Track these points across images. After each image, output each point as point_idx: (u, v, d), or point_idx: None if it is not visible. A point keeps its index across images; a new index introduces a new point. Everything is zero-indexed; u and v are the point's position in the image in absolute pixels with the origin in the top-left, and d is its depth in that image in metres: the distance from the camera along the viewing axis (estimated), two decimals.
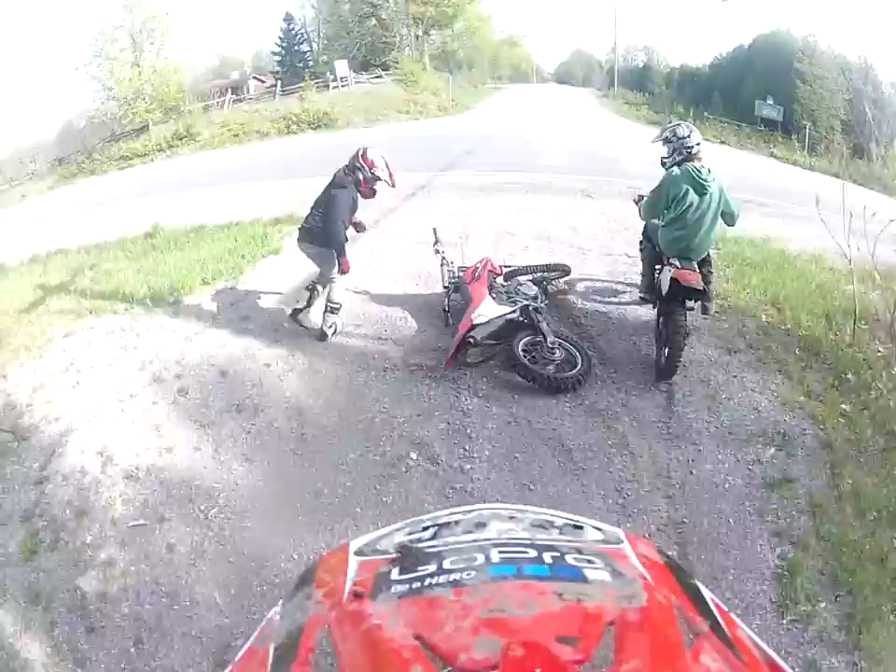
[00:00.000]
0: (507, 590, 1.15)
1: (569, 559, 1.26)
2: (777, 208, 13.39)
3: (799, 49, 26.51)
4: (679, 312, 6.38)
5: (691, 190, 6.26)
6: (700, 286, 6.31)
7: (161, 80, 26.39)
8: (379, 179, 7.09)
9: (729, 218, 6.58)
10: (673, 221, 6.47)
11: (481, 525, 1.44)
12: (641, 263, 7.65)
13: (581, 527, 1.48)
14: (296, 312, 7.59)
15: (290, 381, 6.71)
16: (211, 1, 27.21)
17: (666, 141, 6.61)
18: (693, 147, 6.45)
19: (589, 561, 1.27)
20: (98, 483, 5.62)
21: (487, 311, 6.79)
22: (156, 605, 4.57)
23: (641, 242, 7.66)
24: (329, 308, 7.35)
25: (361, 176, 7.04)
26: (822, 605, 4.31)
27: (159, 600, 4.60)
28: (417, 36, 29.94)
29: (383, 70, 28.63)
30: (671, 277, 6.30)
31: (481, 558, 1.26)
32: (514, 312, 6.88)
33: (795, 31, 27.13)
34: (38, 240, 13.24)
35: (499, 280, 7.58)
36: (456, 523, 1.49)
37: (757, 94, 27.37)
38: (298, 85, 26.89)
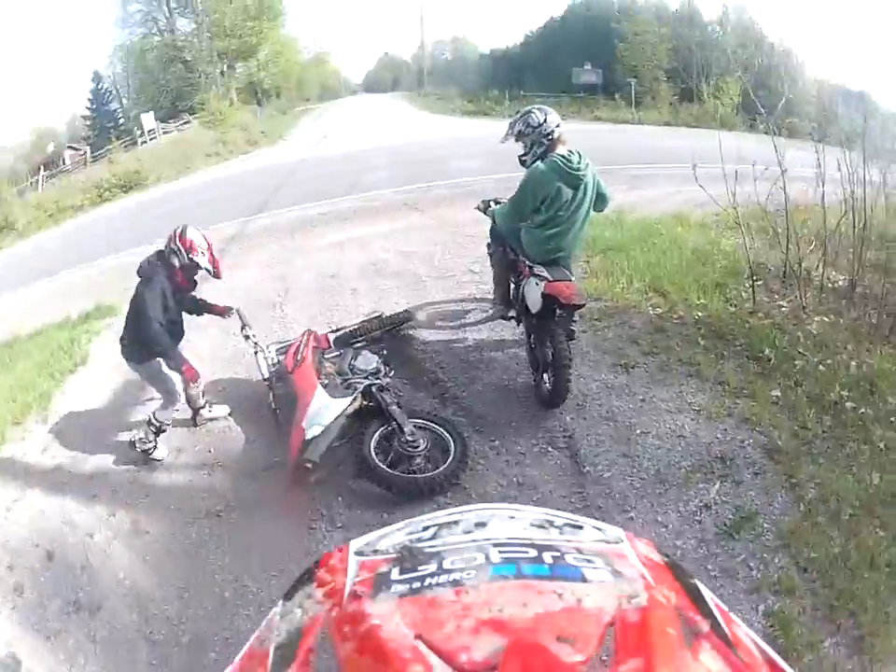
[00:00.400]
0: (507, 590, 1.09)
1: (569, 559, 1.20)
2: (616, 173, 12.89)
3: (616, 10, 27.99)
4: (555, 330, 5.79)
5: (563, 185, 5.61)
6: (582, 300, 5.79)
7: None
8: (199, 267, 6.07)
9: (601, 204, 6.04)
10: (543, 224, 5.79)
11: (481, 525, 1.36)
12: (492, 271, 7.00)
13: (580, 527, 1.40)
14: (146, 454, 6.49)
15: (118, 554, 5.73)
16: (17, 73, 25.89)
17: (520, 136, 5.91)
18: (552, 132, 5.77)
19: (589, 561, 1.20)
20: None
21: (320, 415, 5.67)
22: None
23: (489, 246, 6.93)
24: (150, 424, 6.32)
25: (178, 263, 6.00)
26: (826, 643, 3.95)
27: None
28: (222, 72, 29.57)
29: (190, 114, 28.11)
30: (543, 293, 5.63)
31: (481, 558, 1.19)
32: (354, 400, 5.85)
33: None
34: None
35: (329, 355, 6.63)
36: (456, 522, 1.39)
37: (573, 63, 28.30)
38: (108, 148, 26.24)
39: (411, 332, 7.59)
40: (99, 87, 28.41)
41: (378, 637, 1.02)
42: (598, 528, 1.41)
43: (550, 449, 5.66)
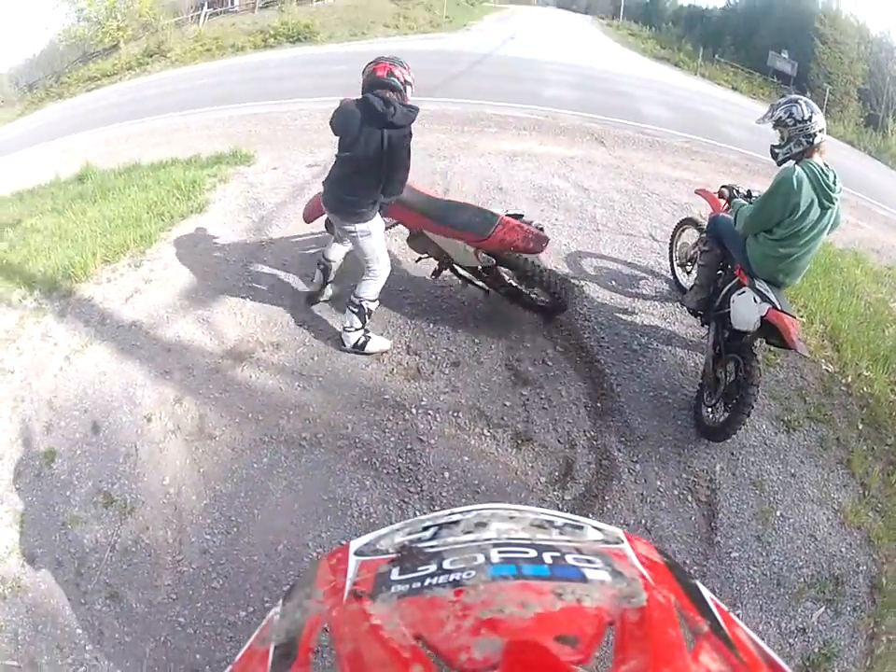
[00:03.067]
0: (507, 590, 1.12)
1: (569, 559, 1.23)
2: None
3: (820, 10, 27.65)
4: (754, 359, 4.90)
5: (816, 202, 4.66)
6: (806, 350, 4.95)
7: None
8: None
9: (830, 228, 4.97)
10: (782, 239, 4.85)
11: (481, 525, 1.38)
12: (697, 270, 5.88)
13: (580, 527, 1.43)
14: (311, 297, 6.02)
15: (172, 452, 4.91)
16: None
17: (779, 124, 4.83)
18: (814, 134, 4.71)
19: (589, 561, 1.23)
20: None
21: None
22: None
23: (704, 241, 5.83)
24: (353, 307, 5.42)
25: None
26: None
27: None
28: None
29: None
30: (763, 317, 4.75)
31: (481, 558, 1.22)
32: None
33: None
34: None
35: None
36: (456, 522, 1.43)
37: (771, 46, 28.26)
38: None
39: (580, 284, 6.62)
40: None
41: (378, 636, 1.03)
42: (598, 529, 1.42)
43: (689, 498, 4.89)
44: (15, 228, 8.89)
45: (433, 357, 5.63)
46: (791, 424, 5.51)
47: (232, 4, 27.32)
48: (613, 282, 6.68)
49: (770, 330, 4.74)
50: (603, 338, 6.01)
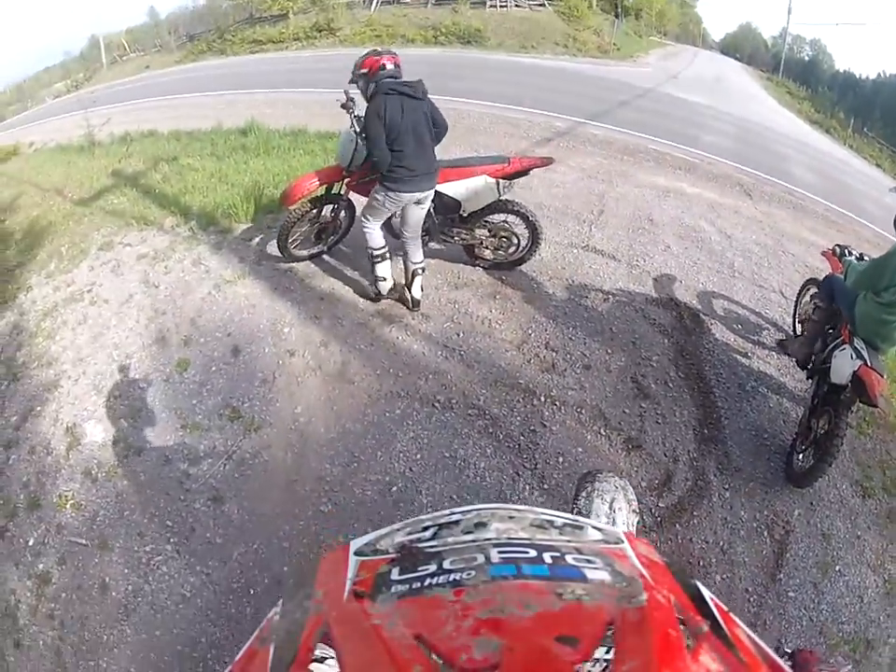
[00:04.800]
0: (507, 590, 1.13)
1: (569, 559, 1.24)
2: None
3: None
4: (844, 412, 4.97)
5: None
6: (882, 404, 5.18)
7: None
8: None
9: None
10: (888, 305, 4.92)
11: (481, 525, 1.39)
12: (809, 324, 6.09)
13: (581, 527, 1.44)
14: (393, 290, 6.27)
15: (309, 387, 5.22)
16: None
17: None
18: None
19: (589, 561, 1.24)
20: (58, 470, 4.92)
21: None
22: (76, 649, 4.07)
23: (819, 297, 5.97)
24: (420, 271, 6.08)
25: None
26: None
27: (79, 644, 4.08)
28: None
29: None
30: (854, 372, 4.85)
31: (481, 558, 1.23)
32: None
33: None
34: (141, 116, 13.52)
35: None
36: (456, 523, 1.44)
37: None
38: None
39: (706, 324, 6.84)
40: None
41: (378, 636, 1.02)
42: (598, 529, 1.44)
43: (765, 534, 5.02)
44: (171, 163, 9.39)
45: (568, 356, 5.89)
46: (867, 490, 5.61)
47: None
48: (739, 326, 6.81)
49: (860, 388, 4.84)
50: (721, 374, 6.17)
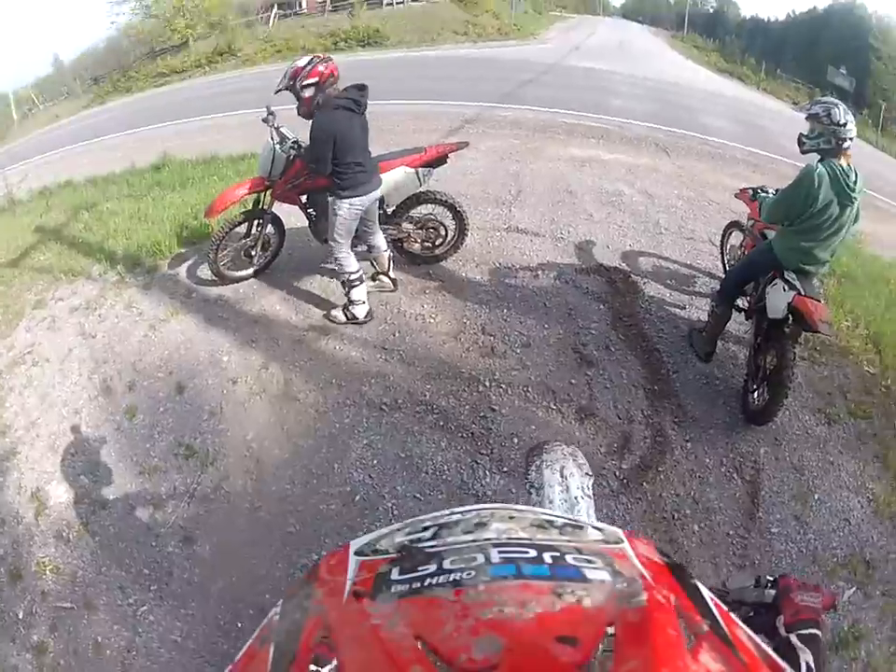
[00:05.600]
0: (507, 590, 1.08)
1: (569, 559, 1.19)
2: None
3: (874, 26, 28.22)
4: (786, 342, 5.13)
5: (835, 200, 4.88)
6: (829, 331, 5.14)
7: None
8: None
9: (850, 224, 5.20)
10: (804, 231, 5.09)
11: (481, 525, 1.33)
12: (707, 324, 6.12)
13: (580, 527, 1.39)
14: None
15: (257, 412, 5.22)
16: None
17: (815, 118, 5.01)
18: (844, 139, 4.92)
19: (589, 561, 1.19)
20: (31, 538, 4.81)
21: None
22: None
23: (714, 299, 6.05)
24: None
25: None
26: None
27: None
28: None
29: None
30: (790, 303, 5.00)
31: (481, 558, 1.18)
32: None
33: (870, 7, 27.43)
34: (56, 168, 13.32)
35: None
36: (456, 523, 1.37)
37: (829, 60, 28.70)
38: (350, 1, 26.79)
39: (639, 284, 6.93)
40: None
41: (378, 636, 1.00)
42: (598, 528, 1.39)
43: (735, 476, 5.13)
44: (91, 210, 9.26)
45: (506, 338, 5.94)
46: (831, 417, 5.71)
47: (301, 6, 27.72)
48: (673, 281, 6.92)
49: (800, 318, 4.96)
50: (662, 329, 6.27)
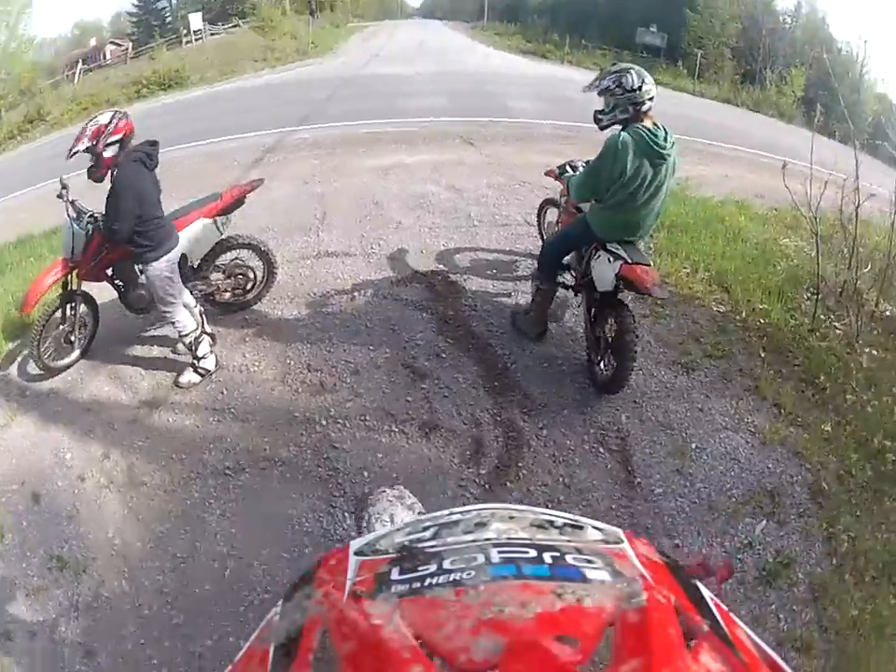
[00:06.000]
0: (507, 590, 1.10)
1: (569, 559, 1.22)
2: (682, 144, 11.95)
3: None
4: (622, 309, 5.21)
5: (646, 162, 4.86)
6: (664, 292, 5.42)
7: (14, 62, 25.36)
8: None
9: (667, 180, 5.18)
10: (619, 204, 5.06)
11: (481, 525, 1.36)
12: (532, 303, 6.25)
13: (580, 527, 1.40)
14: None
15: (109, 506, 5.08)
16: None
17: (606, 92, 5.02)
18: (643, 102, 4.91)
19: (589, 561, 1.22)
20: None
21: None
22: None
23: (535, 278, 6.13)
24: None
25: None
26: None
27: None
28: None
29: (240, 18, 28.20)
30: (617, 274, 5.04)
31: (481, 558, 1.21)
32: None
33: None
34: None
35: None
36: (456, 523, 1.40)
37: (639, 22, 29.09)
38: (150, 45, 26.45)
39: (460, 283, 7.05)
40: None
41: (378, 636, 1.01)
42: (598, 528, 1.40)
43: (601, 450, 5.17)
44: None
45: (333, 370, 5.93)
46: (689, 365, 5.89)
47: (105, 57, 26.86)
48: (494, 270, 7.06)
49: (631, 285, 5.01)
50: (491, 323, 6.37)
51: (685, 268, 7.30)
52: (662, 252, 7.68)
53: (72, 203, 5.73)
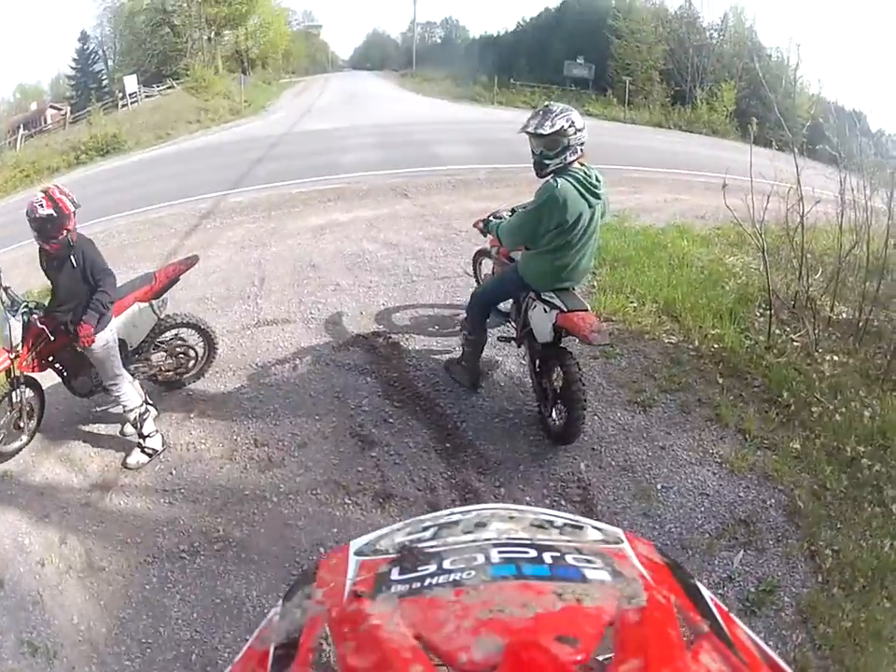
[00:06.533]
0: (507, 590, 1.10)
1: (569, 559, 1.21)
2: (614, 174, 12.05)
3: (613, 6, 28.73)
4: (565, 357, 5.22)
5: (585, 206, 4.87)
6: (605, 339, 5.19)
7: None
8: None
9: (599, 222, 5.24)
10: (555, 251, 5.06)
11: (481, 525, 1.36)
12: (463, 352, 6.33)
13: (581, 527, 1.40)
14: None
15: (71, 592, 5.07)
16: (4, 29, 26.71)
17: (560, 133, 4.81)
18: (584, 141, 4.91)
19: (589, 561, 1.21)
20: None
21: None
22: None
23: (464, 325, 6.32)
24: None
25: None
26: None
27: None
28: (210, 39, 29.91)
29: (174, 80, 28.24)
30: (554, 324, 5.07)
31: (481, 558, 1.20)
32: None
33: None
34: None
35: None
36: (456, 523, 1.39)
37: (565, 56, 29.39)
38: (88, 109, 26.32)
39: (402, 343, 7.08)
40: (85, 47, 28.52)
41: (378, 636, 1.01)
42: (598, 529, 1.41)
43: (563, 503, 5.13)
44: None
45: (280, 444, 5.91)
46: (645, 403, 5.94)
47: (45, 122, 26.79)
48: (436, 326, 7.14)
49: (571, 335, 5.02)
50: (437, 382, 6.40)
51: (632, 302, 7.40)
52: (606, 289, 7.77)
53: (5, 289, 5.66)
